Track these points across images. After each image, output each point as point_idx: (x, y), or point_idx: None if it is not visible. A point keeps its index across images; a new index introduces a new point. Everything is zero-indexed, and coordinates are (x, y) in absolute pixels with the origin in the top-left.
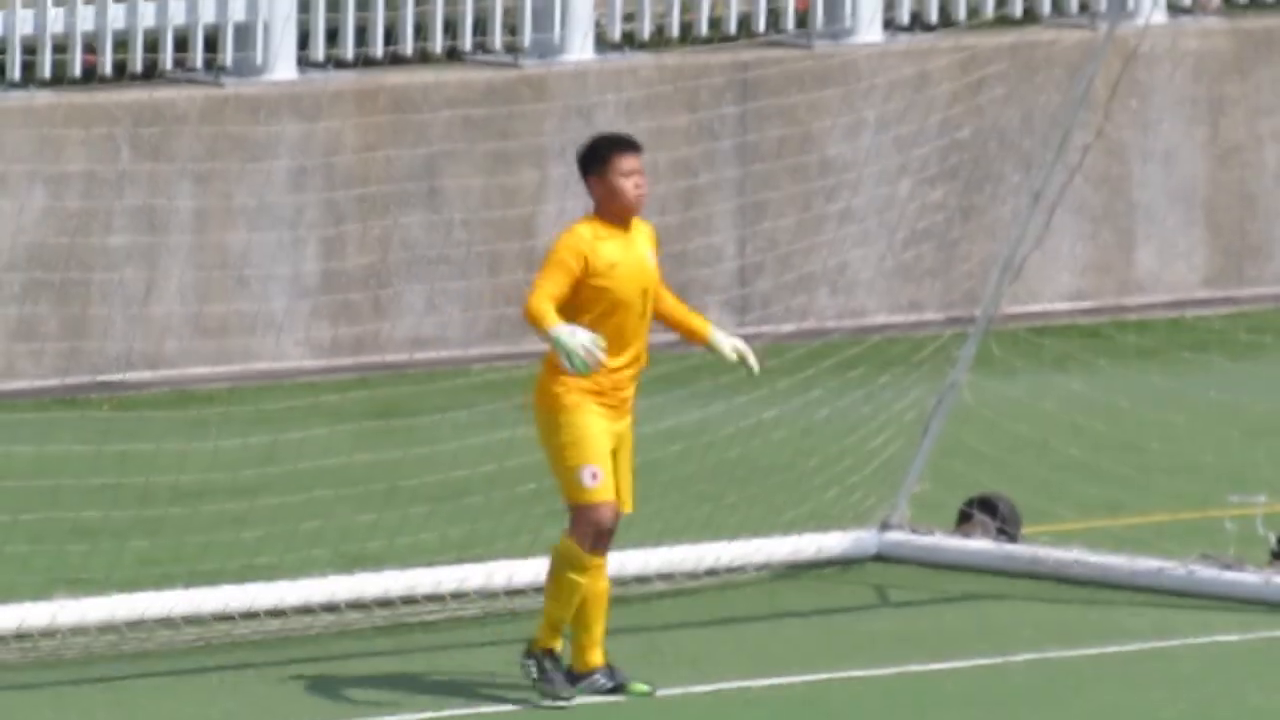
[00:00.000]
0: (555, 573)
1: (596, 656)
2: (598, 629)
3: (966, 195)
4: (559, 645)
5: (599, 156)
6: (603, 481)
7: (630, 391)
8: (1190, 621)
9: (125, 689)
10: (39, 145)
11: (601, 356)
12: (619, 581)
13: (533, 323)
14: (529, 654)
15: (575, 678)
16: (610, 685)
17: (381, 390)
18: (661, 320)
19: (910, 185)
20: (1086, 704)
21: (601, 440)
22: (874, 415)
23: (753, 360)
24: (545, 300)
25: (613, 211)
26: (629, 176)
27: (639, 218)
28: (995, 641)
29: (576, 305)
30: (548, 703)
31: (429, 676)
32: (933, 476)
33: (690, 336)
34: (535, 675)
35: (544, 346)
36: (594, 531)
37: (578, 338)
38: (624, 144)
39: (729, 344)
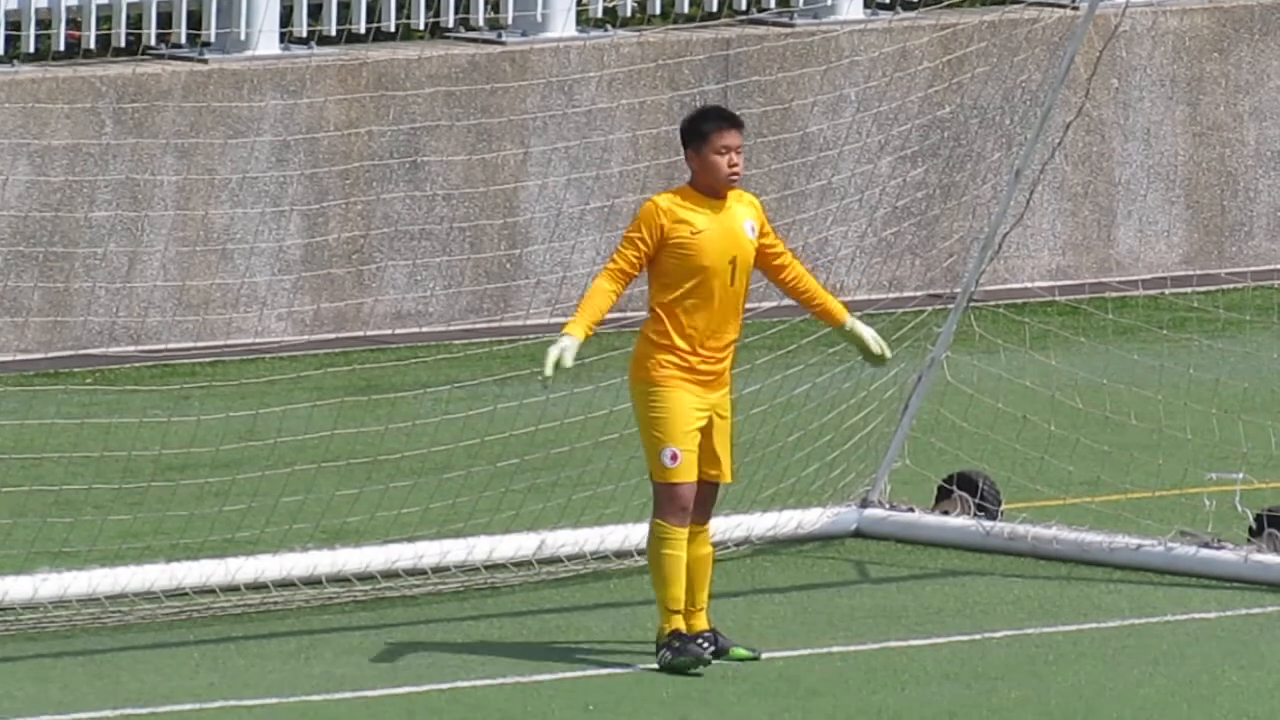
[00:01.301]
0: (651, 552)
1: (700, 620)
2: (701, 594)
3: (947, 173)
4: (681, 624)
5: (698, 131)
6: (683, 462)
7: (727, 363)
8: (1168, 599)
9: (107, 662)
10: (23, 119)
11: (549, 374)
12: (598, 556)
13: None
14: (658, 647)
15: (684, 637)
16: (712, 649)
17: (363, 365)
18: (790, 294)
19: (891, 163)
20: (1065, 680)
21: (687, 419)
22: (854, 392)
23: (889, 353)
24: (606, 275)
25: (706, 186)
26: (724, 154)
27: (743, 189)
28: (974, 617)
29: (662, 272)
30: (691, 670)
31: (410, 651)
32: (912, 453)
33: (824, 317)
34: (669, 660)
35: (640, 314)
36: (677, 508)
37: (559, 344)
38: (725, 118)
39: (870, 334)
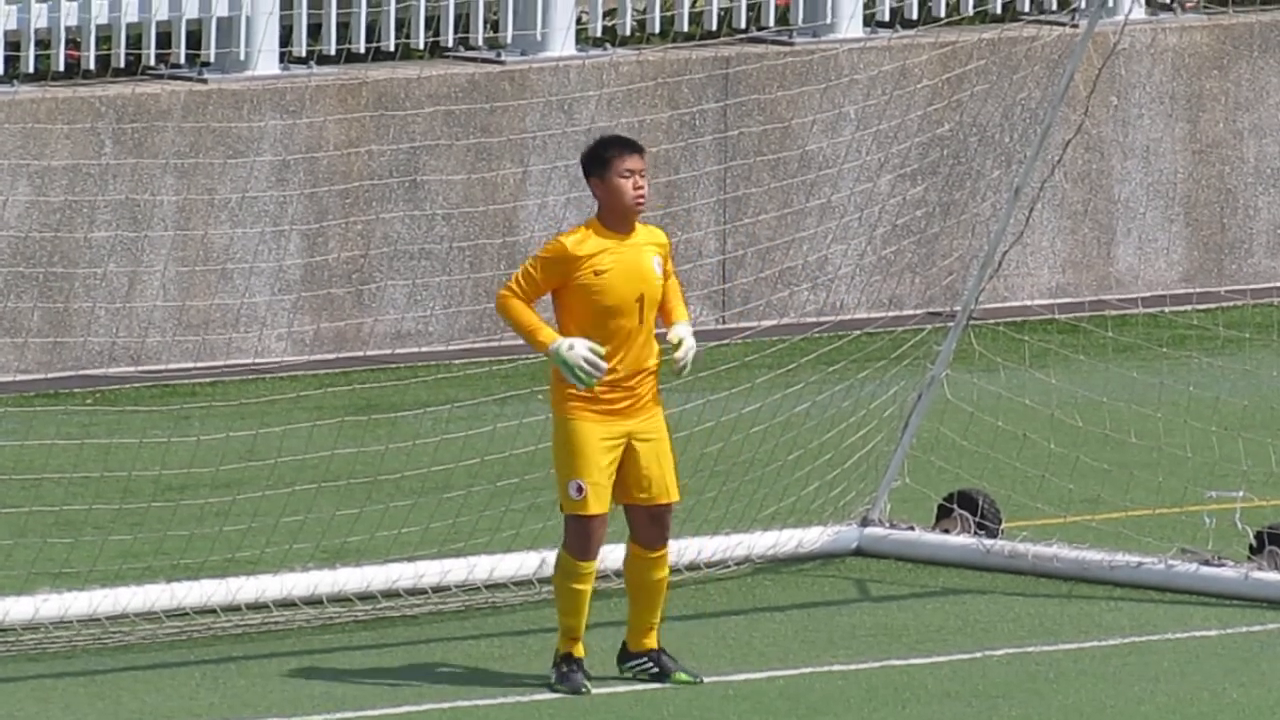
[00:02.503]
0: (557, 584)
1: (651, 640)
2: (649, 615)
3: (947, 191)
4: (577, 650)
5: (600, 158)
6: (588, 495)
7: (644, 390)
8: (1169, 616)
9: (108, 682)
10: (23, 140)
11: (604, 365)
12: (599, 576)
13: (510, 322)
14: (553, 664)
15: (627, 656)
16: (655, 670)
17: (363, 384)
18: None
19: (890, 181)
20: (1066, 698)
21: (593, 451)
22: (854, 410)
23: (683, 361)
24: (518, 300)
25: (613, 214)
26: (628, 177)
27: (651, 225)
28: (975, 636)
29: (568, 309)
30: (562, 691)
31: (410, 670)
32: (912, 471)
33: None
34: (554, 680)
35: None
36: (582, 542)
37: (576, 351)
38: (625, 144)
39: (685, 349)
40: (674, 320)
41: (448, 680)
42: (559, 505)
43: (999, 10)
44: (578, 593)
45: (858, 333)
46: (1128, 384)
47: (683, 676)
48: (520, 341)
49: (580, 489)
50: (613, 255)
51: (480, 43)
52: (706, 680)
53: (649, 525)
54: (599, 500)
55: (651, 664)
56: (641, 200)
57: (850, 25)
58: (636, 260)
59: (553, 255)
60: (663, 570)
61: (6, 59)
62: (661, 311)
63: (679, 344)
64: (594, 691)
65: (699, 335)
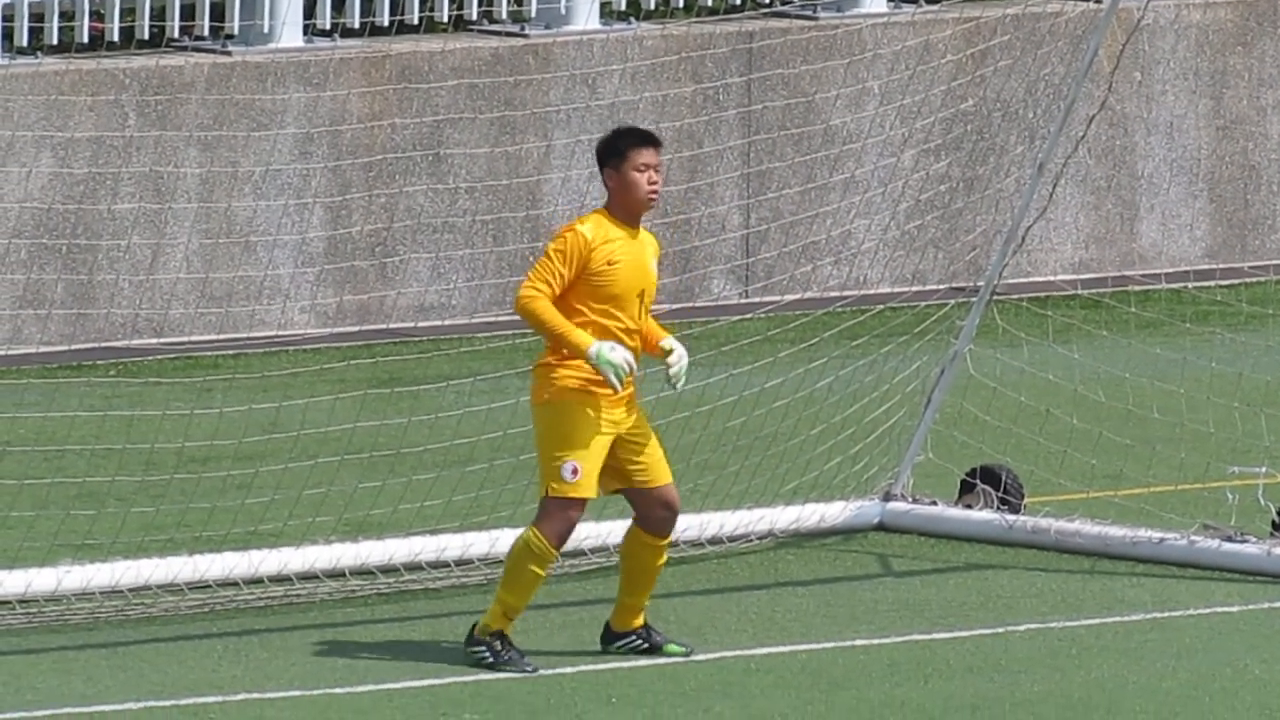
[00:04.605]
0: (516, 562)
1: (638, 620)
2: (643, 597)
3: (970, 166)
4: (509, 628)
5: (616, 149)
6: (582, 478)
7: (632, 385)
8: (1191, 592)
9: (130, 655)
10: (46, 111)
11: (635, 368)
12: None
13: (537, 323)
14: (475, 640)
15: (614, 636)
16: (646, 646)
17: (386, 357)
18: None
19: (914, 156)
20: (1087, 673)
21: (593, 435)
22: (877, 385)
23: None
24: (547, 301)
25: (624, 206)
26: (644, 171)
27: (646, 230)
28: (997, 611)
29: (575, 296)
30: (511, 672)
31: (432, 644)
32: (935, 446)
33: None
34: (489, 659)
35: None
36: (564, 526)
37: (618, 353)
38: (642, 137)
39: (675, 359)
40: (659, 335)
41: None
42: (542, 489)
43: None
44: (538, 577)
45: (881, 307)
46: (1150, 360)
47: (675, 648)
48: None
49: (575, 470)
50: (623, 247)
51: (504, 16)
52: (729, 654)
53: (660, 508)
54: (590, 485)
55: (640, 640)
56: (655, 196)
57: (874, 0)
58: (641, 255)
59: (574, 246)
60: (663, 557)
61: (31, 31)
62: (643, 333)
63: (669, 351)
64: (617, 665)
65: (723, 309)
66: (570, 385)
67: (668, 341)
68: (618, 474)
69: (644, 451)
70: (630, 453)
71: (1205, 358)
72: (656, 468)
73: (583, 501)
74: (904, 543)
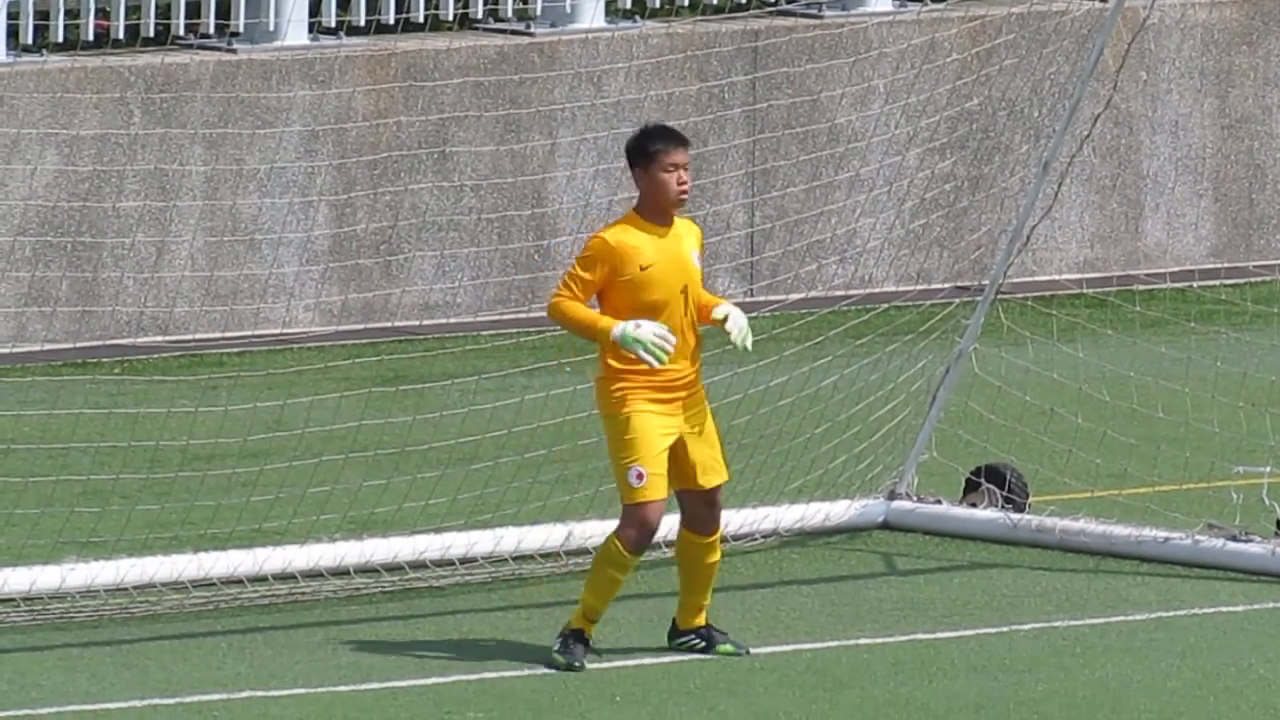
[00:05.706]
0: (598, 566)
1: (699, 618)
2: (702, 596)
3: (975, 165)
4: (589, 629)
5: (645, 150)
6: (648, 482)
7: (693, 381)
8: (1196, 592)
9: (134, 652)
10: (51, 109)
11: (673, 338)
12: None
13: (565, 321)
14: (559, 634)
15: (676, 634)
16: (703, 645)
17: (391, 355)
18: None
19: (919, 155)
20: (1092, 673)
21: (654, 440)
22: (882, 384)
23: (739, 333)
24: (569, 300)
25: (655, 205)
26: (672, 171)
27: (687, 217)
28: (1001, 610)
29: (614, 306)
30: (562, 661)
31: (436, 642)
32: (940, 445)
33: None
34: (557, 649)
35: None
36: (638, 531)
37: (644, 329)
38: (671, 137)
39: (735, 324)
40: (712, 304)
41: (474, 652)
42: (620, 498)
43: None
44: (617, 582)
45: (886, 306)
46: (1155, 359)
47: (727, 648)
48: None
49: (640, 475)
50: (656, 248)
51: (509, 14)
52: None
53: (703, 508)
54: (657, 487)
55: (699, 639)
56: (685, 195)
57: None
58: (678, 252)
59: (597, 252)
60: (715, 554)
61: (36, 28)
62: (697, 306)
63: (725, 319)
64: (622, 664)
65: None
66: (625, 394)
67: (719, 310)
68: (679, 474)
69: (703, 451)
70: (690, 452)
71: (1210, 357)
72: (713, 468)
73: (655, 504)
74: (908, 541)
